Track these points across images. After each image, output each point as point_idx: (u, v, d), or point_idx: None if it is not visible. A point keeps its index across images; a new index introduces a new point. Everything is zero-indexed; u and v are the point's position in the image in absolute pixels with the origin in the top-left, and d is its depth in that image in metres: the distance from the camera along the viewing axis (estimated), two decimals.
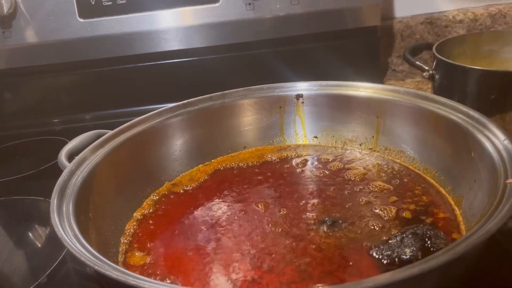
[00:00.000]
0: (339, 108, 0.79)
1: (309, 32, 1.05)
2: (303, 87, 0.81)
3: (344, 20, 1.04)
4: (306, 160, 0.76)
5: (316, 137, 0.82)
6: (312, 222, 0.59)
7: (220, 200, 0.68)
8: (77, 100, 1.14)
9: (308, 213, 0.61)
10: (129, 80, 1.11)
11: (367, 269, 0.50)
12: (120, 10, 1.01)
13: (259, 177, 0.73)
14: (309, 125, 0.82)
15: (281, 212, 0.62)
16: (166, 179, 0.74)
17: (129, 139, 0.71)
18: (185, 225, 0.63)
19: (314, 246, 0.55)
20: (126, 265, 0.57)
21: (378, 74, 1.13)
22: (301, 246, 0.55)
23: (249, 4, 1.00)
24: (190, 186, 0.73)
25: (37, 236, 0.71)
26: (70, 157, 0.67)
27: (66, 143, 0.72)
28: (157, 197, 0.71)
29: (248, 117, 0.81)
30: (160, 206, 0.68)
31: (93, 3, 1.00)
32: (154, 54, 1.06)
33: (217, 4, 1.00)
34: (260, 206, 0.65)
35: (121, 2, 1.00)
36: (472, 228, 0.42)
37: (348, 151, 0.78)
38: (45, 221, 0.73)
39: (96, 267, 0.42)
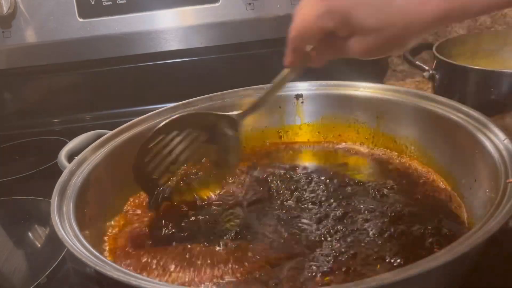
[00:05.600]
0: (339, 108, 0.79)
1: None
2: (303, 87, 0.81)
3: None
4: (307, 159, 0.76)
5: (316, 136, 0.82)
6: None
7: (219, 199, 0.68)
8: (77, 100, 1.14)
9: (309, 213, 0.62)
10: (129, 80, 1.11)
11: None
12: (120, 10, 1.01)
13: (259, 177, 0.73)
14: (309, 125, 0.82)
15: (281, 211, 0.63)
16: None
17: (129, 139, 0.71)
18: (184, 224, 0.63)
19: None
20: (122, 262, 0.57)
21: (378, 74, 1.13)
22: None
23: (249, 4, 1.00)
24: (189, 186, 0.72)
25: (37, 236, 0.71)
26: (70, 157, 0.67)
27: (66, 143, 0.72)
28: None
29: (247, 117, 0.81)
30: (159, 205, 0.68)
31: (93, 3, 1.00)
32: (154, 54, 1.06)
33: (217, 4, 1.00)
34: (259, 205, 0.65)
35: (121, 2, 1.00)
36: (472, 228, 0.42)
37: (348, 151, 0.78)
38: (45, 221, 0.73)
39: (97, 267, 0.42)
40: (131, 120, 0.74)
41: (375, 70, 1.11)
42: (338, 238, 0.55)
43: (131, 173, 0.69)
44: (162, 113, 0.77)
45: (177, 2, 1.01)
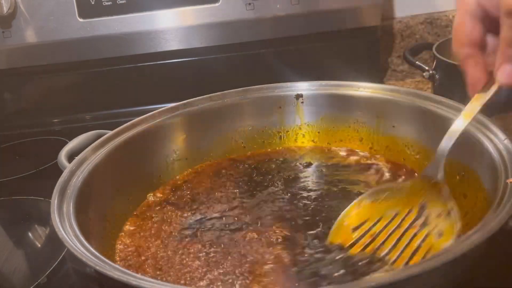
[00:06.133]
0: (339, 108, 0.79)
1: (309, 32, 1.05)
2: (303, 87, 0.81)
3: (344, 20, 1.04)
4: (306, 160, 0.76)
5: (315, 137, 0.82)
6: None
7: (219, 199, 0.68)
8: (77, 100, 1.14)
9: (308, 213, 0.61)
10: (129, 80, 1.11)
11: None
12: (120, 10, 1.01)
13: (259, 178, 0.73)
14: (309, 125, 0.82)
15: (279, 211, 0.62)
16: (165, 179, 0.74)
17: (129, 139, 0.71)
18: (183, 225, 0.63)
19: None
20: (122, 263, 0.57)
21: (378, 74, 1.13)
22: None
23: (249, 4, 1.00)
24: (189, 186, 0.73)
25: (37, 236, 0.71)
26: (70, 157, 0.67)
27: (66, 143, 0.72)
28: (156, 197, 0.71)
29: (247, 117, 0.81)
30: (159, 206, 0.68)
31: (93, 3, 1.00)
32: (154, 54, 1.06)
33: (217, 4, 1.00)
34: (258, 206, 0.65)
35: (121, 2, 1.00)
36: (472, 228, 0.42)
37: (348, 151, 0.78)
38: (45, 221, 0.73)
39: (97, 267, 0.42)
40: (131, 120, 0.74)
41: (375, 70, 1.11)
42: None
43: (131, 173, 0.70)
44: (162, 113, 0.77)
45: (177, 2, 1.01)
